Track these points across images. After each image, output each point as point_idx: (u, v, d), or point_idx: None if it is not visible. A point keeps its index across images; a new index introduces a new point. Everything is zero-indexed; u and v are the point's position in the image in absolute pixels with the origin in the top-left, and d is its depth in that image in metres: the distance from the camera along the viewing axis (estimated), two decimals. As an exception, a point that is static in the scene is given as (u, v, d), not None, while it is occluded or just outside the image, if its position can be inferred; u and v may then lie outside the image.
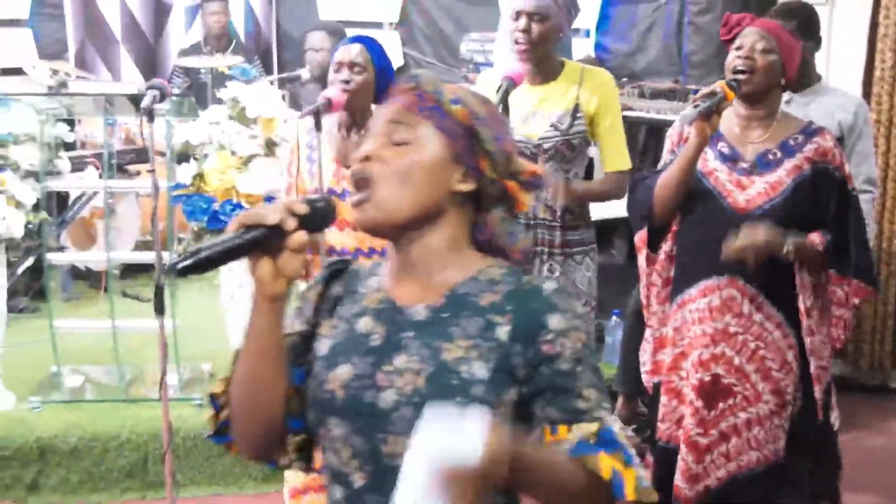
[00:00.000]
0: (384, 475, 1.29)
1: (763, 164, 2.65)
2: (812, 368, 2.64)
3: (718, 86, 2.52)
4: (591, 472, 1.23)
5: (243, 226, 1.24)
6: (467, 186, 1.38)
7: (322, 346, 1.40)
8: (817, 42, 3.47)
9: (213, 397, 1.42)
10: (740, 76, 2.60)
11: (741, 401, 2.64)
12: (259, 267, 1.27)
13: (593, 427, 1.26)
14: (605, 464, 1.24)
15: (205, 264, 1.21)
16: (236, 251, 1.23)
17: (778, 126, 2.68)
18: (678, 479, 2.67)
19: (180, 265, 1.20)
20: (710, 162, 2.68)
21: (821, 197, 2.62)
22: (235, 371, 1.36)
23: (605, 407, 1.30)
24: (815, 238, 2.59)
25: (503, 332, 1.31)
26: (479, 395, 1.27)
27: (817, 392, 2.65)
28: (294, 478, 3.19)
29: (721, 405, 2.65)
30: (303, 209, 1.27)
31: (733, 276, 2.63)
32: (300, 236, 1.26)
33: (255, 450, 1.42)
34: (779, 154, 2.65)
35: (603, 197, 3.11)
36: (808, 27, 3.40)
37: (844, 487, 2.89)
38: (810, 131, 2.67)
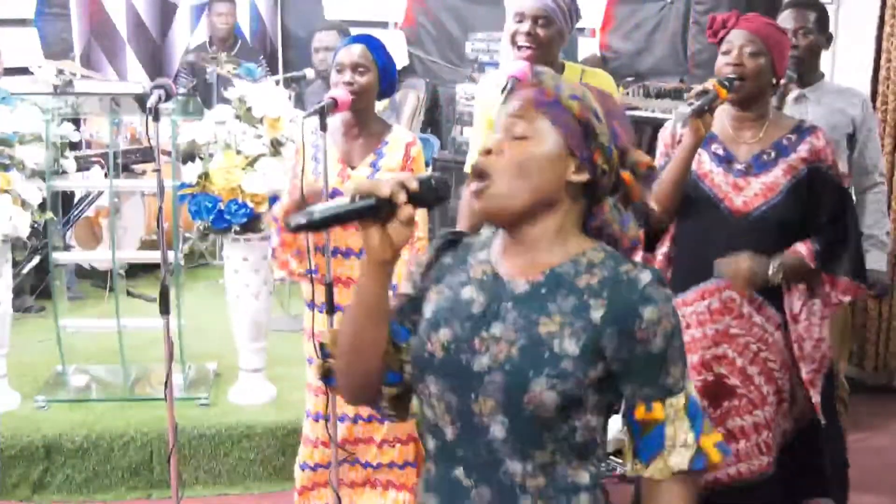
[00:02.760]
0: (472, 431, 1.43)
1: (758, 165, 2.64)
2: (804, 374, 2.63)
3: (711, 84, 2.51)
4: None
5: (358, 193, 1.35)
6: (581, 177, 1.46)
7: (427, 310, 1.52)
8: (829, 38, 3.47)
9: (322, 346, 1.57)
10: (735, 82, 2.58)
11: (747, 403, 2.63)
12: (370, 234, 1.37)
13: (682, 400, 1.42)
14: (706, 444, 1.43)
15: (318, 224, 1.33)
16: (348, 216, 1.35)
17: (770, 126, 2.67)
18: None
19: (294, 222, 1.31)
20: (705, 164, 2.68)
21: (816, 197, 2.62)
22: (342, 326, 1.49)
23: (687, 376, 1.44)
24: (802, 249, 2.59)
25: (597, 314, 1.41)
26: (567, 368, 1.38)
27: (814, 396, 2.64)
28: (302, 477, 3.20)
29: (726, 404, 2.65)
30: (414, 185, 1.37)
31: None
32: (409, 209, 1.37)
33: (355, 395, 1.56)
34: (773, 154, 2.64)
35: None
36: (824, 21, 3.40)
37: (851, 487, 2.88)
38: (803, 130, 2.66)
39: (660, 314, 1.40)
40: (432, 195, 1.40)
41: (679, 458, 1.42)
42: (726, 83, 2.53)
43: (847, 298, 2.68)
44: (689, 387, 1.44)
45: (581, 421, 1.42)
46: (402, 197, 1.36)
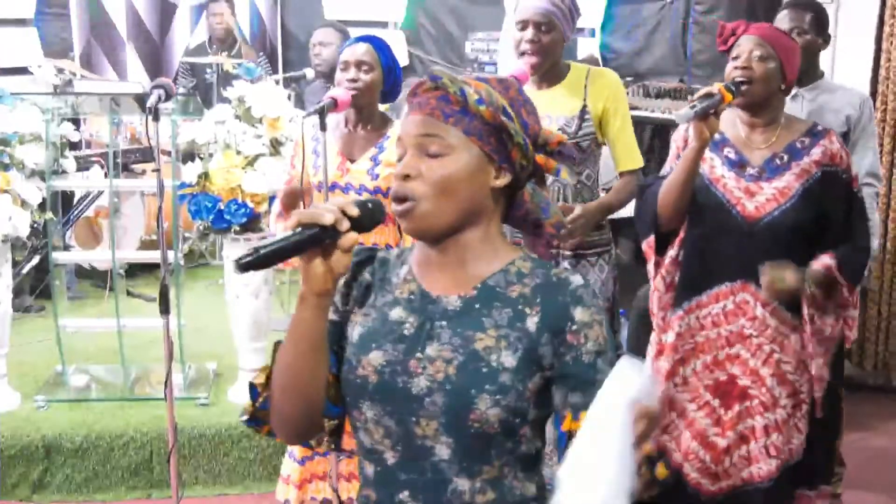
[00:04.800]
0: (415, 453, 1.40)
1: (771, 170, 2.63)
2: (814, 370, 2.64)
3: (716, 87, 2.49)
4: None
5: (301, 224, 1.31)
6: (503, 181, 1.44)
7: (355, 333, 1.48)
8: (826, 39, 3.46)
9: (252, 387, 1.51)
10: (742, 86, 2.58)
11: (758, 405, 2.64)
12: (312, 265, 1.34)
13: None
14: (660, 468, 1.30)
15: (265, 261, 1.29)
16: (294, 248, 1.31)
17: (783, 130, 2.67)
18: (697, 476, 2.68)
19: (242, 261, 1.28)
20: (717, 169, 2.67)
21: (829, 201, 2.61)
22: (279, 360, 1.43)
23: None
24: (828, 261, 2.57)
25: (532, 322, 1.39)
26: (506, 382, 1.36)
27: (817, 391, 2.65)
28: (301, 470, 3.20)
29: (737, 407, 2.65)
30: (355, 211, 1.34)
31: (746, 282, 2.63)
32: (352, 236, 1.33)
33: (294, 433, 1.51)
34: (786, 158, 2.63)
35: (622, 203, 3.06)
36: (820, 22, 3.40)
37: (849, 486, 2.89)
38: (816, 133, 2.66)
39: (591, 317, 1.38)
40: (369, 220, 1.37)
41: None
42: (732, 87, 2.51)
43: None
44: None
45: (525, 433, 1.39)
46: (345, 224, 1.32)
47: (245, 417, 1.53)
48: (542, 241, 1.55)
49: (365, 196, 3.01)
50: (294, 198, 3.03)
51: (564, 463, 1.20)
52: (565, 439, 1.35)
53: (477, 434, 1.36)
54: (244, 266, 1.28)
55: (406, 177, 1.41)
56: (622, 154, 3.03)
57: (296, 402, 1.43)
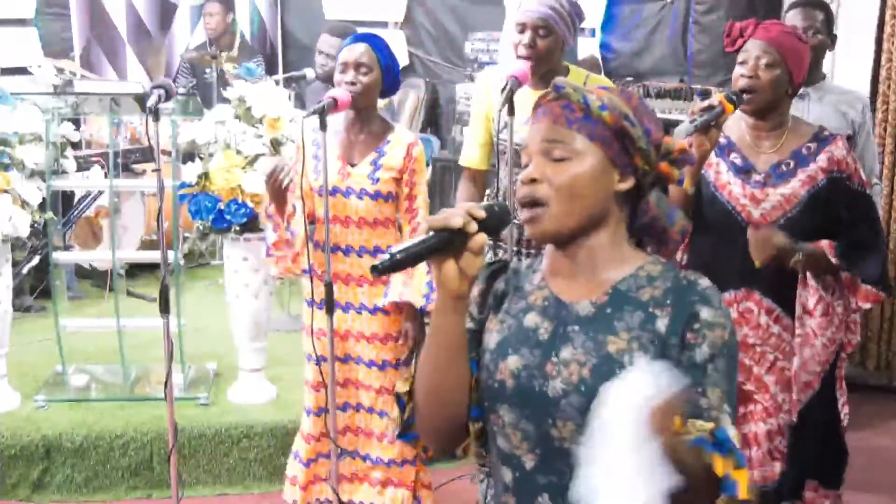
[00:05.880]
0: (553, 456, 1.43)
1: (777, 176, 2.61)
2: (803, 377, 2.63)
3: (717, 99, 2.46)
4: (706, 464, 1.28)
5: (432, 229, 1.35)
6: (627, 185, 1.48)
7: (491, 340, 1.51)
8: (834, 39, 3.46)
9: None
10: (744, 95, 2.56)
11: (761, 411, 2.64)
12: (446, 268, 1.38)
13: (708, 426, 1.31)
14: (718, 464, 1.28)
15: (399, 265, 1.35)
16: (427, 252, 1.36)
17: (789, 135, 2.64)
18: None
19: (379, 266, 1.33)
20: (723, 175, 2.66)
21: (835, 207, 2.60)
22: (421, 368, 1.47)
23: (726, 410, 1.38)
24: (825, 245, 2.57)
25: (662, 324, 1.42)
26: None
27: (803, 396, 2.63)
28: (305, 472, 3.20)
29: (741, 409, 2.65)
30: (481, 213, 1.37)
31: (750, 290, 2.63)
32: (481, 238, 1.37)
33: (442, 440, 1.54)
34: (792, 164, 2.61)
35: None
36: (830, 21, 3.40)
37: (850, 486, 2.88)
38: (823, 139, 2.63)
39: (715, 318, 1.40)
40: (496, 222, 1.41)
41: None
42: (733, 97, 2.48)
43: (867, 305, 2.66)
44: (723, 420, 1.36)
45: None
46: (473, 226, 1.36)
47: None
48: (667, 248, 1.57)
49: (366, 199, 3.01)
50: (281, 193, 2.96)
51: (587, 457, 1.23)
52: None
53: None
54: (380, 271, 1.34)
55: (533, 181, 1.45)
56: None
57: (441, 407, 1.48)
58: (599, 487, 1.20)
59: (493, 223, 1.40)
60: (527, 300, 1.52)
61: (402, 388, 1.54)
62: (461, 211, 1.36)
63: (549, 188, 1.44)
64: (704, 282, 1.45)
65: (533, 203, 1.45)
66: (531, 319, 1.49)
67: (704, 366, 1.39)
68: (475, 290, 1.56)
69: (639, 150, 1.47)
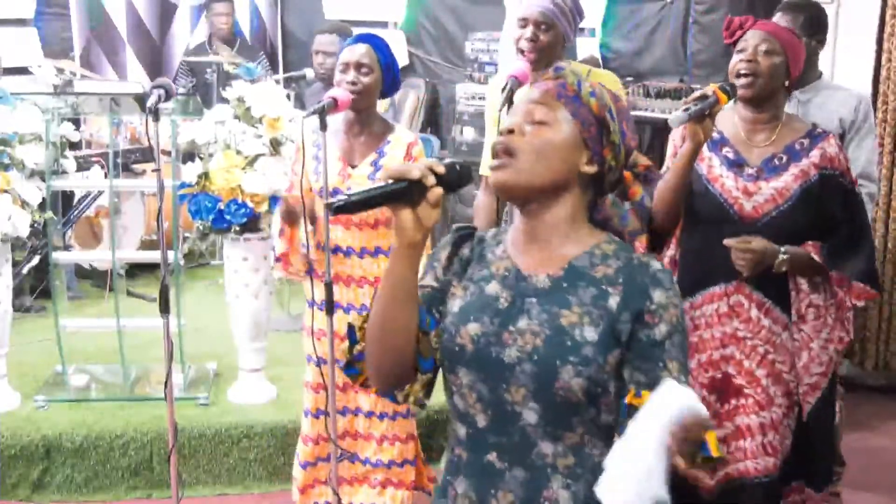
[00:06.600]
0: (504, 418, 1.53)
1: (769, 169, 2.63)
2: (806, 379, 2.64)
3: (711, 89, 2.46)
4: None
5: (391, 177, 1.42)
6: (591, 169, 1.58)
7: (454, 305, 1.60)
8: (821, 40, 3.45)
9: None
10: (743, 80, 2.58)
11: (753, 404, 2.63)
12: (402, 216, 1.44)
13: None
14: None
15: (356, 205, 1.42)
16: (382, 198, 1.42)
17: (783, 129, 2.66)
18: (695, 470, 2.67)
19: (334, 205, 1.41)
20: (715, 168, 2.67)
21: (827, 204, 2.61)
22: (372, 310, 1.53)
23: (683, 380, 1.48)
24: (809, 246, 2.58)
25: (613, 301, 1.51)
26: (588, 354, 1.48)
27: (810, 398, 2.64)
28: (304, 475, 3.21)
29: (733, 401, 2.65)
30: (441, 169, 1.45)
31: (740, 283, 2.63)
32: (438, 190, 1.44)
33: (385, 379, 1.60)
34: (784, 158, 2.63)
35: None
36: (813, 24, 3.39)
37: (849, 487, 2.89)
38: (816, 136, 2.64)
39: (668, 300, 1.50)
40: (456, 178, 1.47)
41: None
42: (727, 88, 2.49)
43: (860, 303, 2.67)
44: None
45: (606, 403, 1.50)
46: (431, 179, 1.43)
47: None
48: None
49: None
50: (293, 214, 3.01)
51: (610, 456, 1.33)
52: (626, 411, 1.45)
53: (561, 402, 1.48)
54: (336, 209, 1.41)
55: (510, 132, 1.56)
56: None
57: (387, 350, 1.54)
58: (613, 476, 1.31)
59: (453, 179, 1.47)
60: (490, 269, 1.61)
61: (356, 321, 1.61)
62: (423, 164, 1.44)
63: (522, 142, 1.54)
64: (656, 264, 1.54)
65: (504, 151, 1.54)
66: (492, 288, 1.58)
67: (663, 342, 1.49)
68: (442, 252, 1.65)
69: (611, 143, 1.58)
